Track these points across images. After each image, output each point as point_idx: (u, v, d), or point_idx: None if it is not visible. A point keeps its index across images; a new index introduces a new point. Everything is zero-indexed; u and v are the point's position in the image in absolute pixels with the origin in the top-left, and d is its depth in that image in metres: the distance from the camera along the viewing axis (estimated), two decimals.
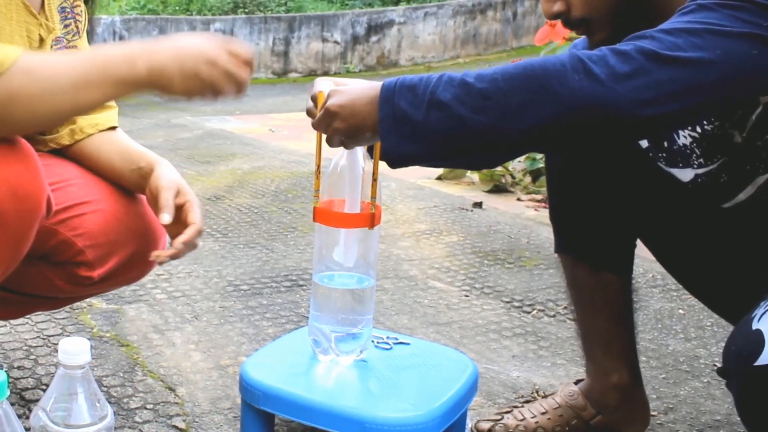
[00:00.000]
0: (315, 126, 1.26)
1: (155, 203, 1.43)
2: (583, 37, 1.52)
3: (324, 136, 1.26)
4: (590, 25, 1.31)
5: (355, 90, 1.20)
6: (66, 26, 1.48)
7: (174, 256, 1.40)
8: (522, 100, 1.09)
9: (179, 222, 1.43)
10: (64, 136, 1.52)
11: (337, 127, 1.20)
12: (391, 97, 1.15)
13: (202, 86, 1.23)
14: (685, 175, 1.40)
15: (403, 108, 1.13)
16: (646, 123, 1.10)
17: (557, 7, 1.31)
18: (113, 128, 1.58)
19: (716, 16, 1.12)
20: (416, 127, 1.13)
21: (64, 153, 1.54)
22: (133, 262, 1.53)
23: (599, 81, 1.07)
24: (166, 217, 1.39)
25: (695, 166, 1.37)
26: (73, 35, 1.50)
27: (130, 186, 1.54)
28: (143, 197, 1.53)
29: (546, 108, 1.09)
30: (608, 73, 1.07)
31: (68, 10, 1.49)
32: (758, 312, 1.17)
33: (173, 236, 1.45)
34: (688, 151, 1.37)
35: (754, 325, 1.15)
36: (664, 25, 1.14)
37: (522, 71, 1.11)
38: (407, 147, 1.14)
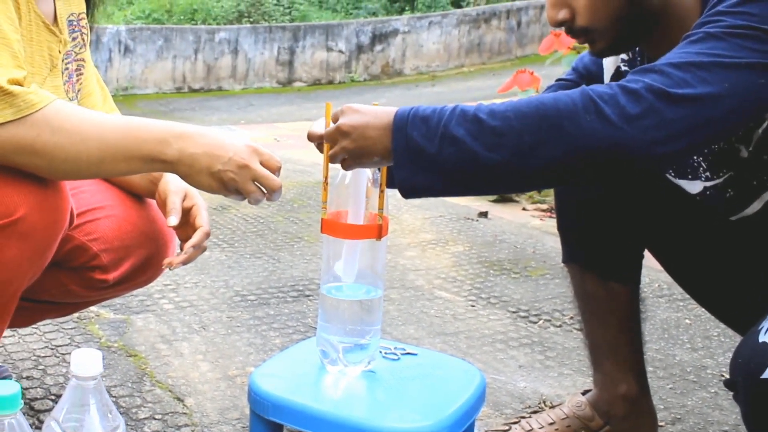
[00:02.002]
0: (325, 138, 1.27)
1: (164, 207, 1.46)
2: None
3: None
4: (593, 35, 1.32)
5: (369, 113, 1.20)
6: (73, 39, 1.49)
7: (185, 261, 1.43)
8: (534, 139, 1.11)
9: (187, 225, 1.47)
10: None
11: (344, 146, 1.21)
12: (404, 128, 1.16)
13: (226, 188, 1.26)
14: (694, 187, 1.40)
15: (416, 139, 1.15)
16: (658, 161, 1.12)
17: (562, 14, 1.32)
18: None
19: (724, 46, 1.13)
20: (429, 160, 1.15)
21: None
22: (146, 265, 1.56)
23: (610, 122, 1.09)
24: (173, 220, 1.43)
25: (703, 179, 1.38)
26: (80, 48, 1.52)
27: (141, 191, 1.57)
28: (153, 202, 1.56)
29: (558, 148, 1.11)
30: (619, 114, 1.09)
31: (75, 22, 1.50)
32: (765, 324, 1.17)
33: (182, 239, 1.49)
34: (695, 164, 1.38)
35: (761, 338, 1.15)
36: (673, 58, 1.14)
37: (534, 110, 1.12)
38: (421, 179, 1.16)
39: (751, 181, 1.33)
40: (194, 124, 1.33)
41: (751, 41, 1.13)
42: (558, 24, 1.33)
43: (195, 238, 1.45)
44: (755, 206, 1.35)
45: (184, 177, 1.26)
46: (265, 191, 1.28)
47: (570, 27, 1.33)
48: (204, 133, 1.25)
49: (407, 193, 1.20)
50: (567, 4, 1.31)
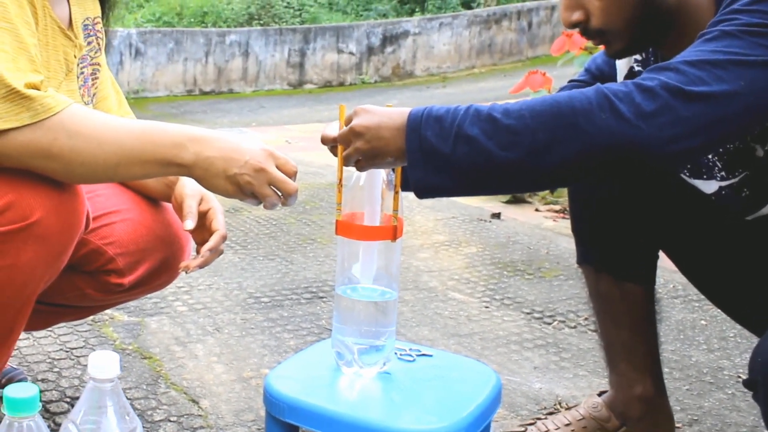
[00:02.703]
0: (338, 140, 1.27)
1: (180, 211, 1.46)
2: (603, 49, 1.52)
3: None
4: (607, 36, 1.32)
5: (382, 114, 1.20)
6: (89, 43, 1.50)
7: (202, 265, 1.44)
8: (549, 137, 1.11)
9: (203, 228, 1.47)
10: None
11: (358, 146, 1.21)
12: (418, 128, 1.16)
13: (243, 192, 1.26)
14: (709, 187, 1.40)
15: (430, 140, 1.15)
16: (673, 158, 1.12)
17: (576, 16, 1.31)
18: None
19: (740, 44, 1.12)
20: (444, 159, 1.14)
21: None
22: (161, 269, 1.56)
23: (626, 119, 1.08)
24: (190, 224, 1.43)
25: (719, 179, 1.37)
26: (96, 52, 1.52)
27: (156, 195, 1.57)
28: (168, 205, 1.56)
29: (573, 146, 1.10)
30: (634, 111, 1.09)
31: (90, 27, 1.50)
32: None
33: (198, 242, 1.49)
34: (710, 164, 1.37)
35: None
36: (688, 56, 1.14)
37: (549, 108, 1.12)
38: (435, 179, 1.16)
39: (766, 181, 1.32)
40: (206, 127, 1.33)
41: (767, 39, 1.13)
42: (572, 26, 1.33)
43: (211, 241, 1.45)
44: None
45: (200, 180, 1.26)
46: (281, 195, 1.28)
47: (585, 28, 1.32)
48: (220, 137, 1.26)
49: (421, 194, 1.19)
50: (581, 5, 1.30)
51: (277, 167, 1.27)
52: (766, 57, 1.12)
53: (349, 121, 1.24)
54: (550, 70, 4.28)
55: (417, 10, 13.76)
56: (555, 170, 1.13)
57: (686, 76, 1.11)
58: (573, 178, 1.22)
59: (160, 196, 1.57)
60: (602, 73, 1.57)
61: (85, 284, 1.51)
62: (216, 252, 1.46)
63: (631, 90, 1.11)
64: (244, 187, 1.25)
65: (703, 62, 1.12)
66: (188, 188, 1.48)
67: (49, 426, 1.59)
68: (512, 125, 1.12)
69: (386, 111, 1.21)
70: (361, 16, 13.63)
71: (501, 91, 7.99)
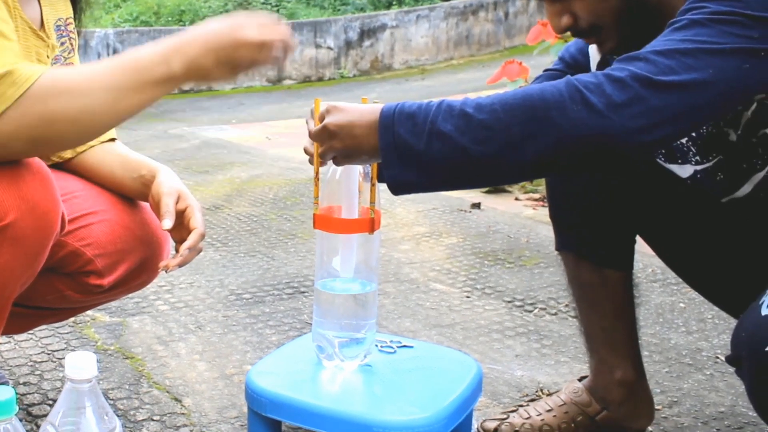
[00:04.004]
0: (312, 138, 1.27)
1: (158, 210, 1.45)
2: (575, 39, 1.53)
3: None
4: (599, 35, 1.32)
5: (354, 111, 1.21)
6: (62, 44, 1.49)
7: (181, 264, 1.43)
8: (522, 131, 1.11)
9: (182, 227, 1.47)
10: (66, 150, 1.54)
11: (333, 145, 1.22)
12: (390, 125, 1.16)
13: (241, 68, 1.22)
14: (685, 171, 1.41)
15: (403, 137, 1.15)
16: (646, 147, 1.13)
17: (564, 20, 1.33)
18: (112, 140, 1.60)
19: (708, 33, 1.13)
20: (418, 156, 1.15)
21: (65, 166, 1.56)
22: (141, 269, 1.56)
23: (597, 111, 1.09)
24: (168, 223, 1.42)
25: (693, 163, 1.38)
26: (69, 53, 1.51)
27: (133, 194, 1.56)
28: (146, 205, 1.56)
29: (546, 139, 1.11)
30: (605, 103, 1.09)
31: (63, 27, 1.50)
32: (766, 299, 1.18)
33: (177, 241, 1.49)
34: (685, 149, 1.38)
35: (764, 311, 1.15)
36: (658, 45, 1.15)
37: (521, 101, 1.13)
38: (410, 176, 1.16)
39: (740, 164, 1.34)
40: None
41: (736, 27, 1.14)
42: (563, 30, 1.34)
43: (190, 240, 1.44)
44: (745, 189, 1.36)
45: (198, 81, 1.23)
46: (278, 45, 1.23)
47: (576, 30, 1.33)
48: (194, 35, 1.21)
49: (396, 190, 1.20)
50: (567, 9, 1.32)
51: (250, 27, 1.22)
52: (735, 44, 1.13)
53: (322, 118, 1.24)
54: (527, 60, 4.28)
55: (394, 3, 13.74)
56: (529, 163, 1.14)
57: (656, 66, 1.12)
58: (548, 170, 1.23)
59: (137, 196, 1.56)
60: (576, 62, 1.58)
61: (65, 286, 1.51)
62: (195, 250, 1.46)
63: (602, 81, 1.11)
64: (241, 63, 1.21)
65: (673, 51, 1.13)
66: (165, 186, 1.47)
67: (31, 430, 1.59)
68: (485, 120, 1.13)
69: (358, 108, 1.21)
70: (339, 10, 13.59)
71: (479, 82, 7.99)
